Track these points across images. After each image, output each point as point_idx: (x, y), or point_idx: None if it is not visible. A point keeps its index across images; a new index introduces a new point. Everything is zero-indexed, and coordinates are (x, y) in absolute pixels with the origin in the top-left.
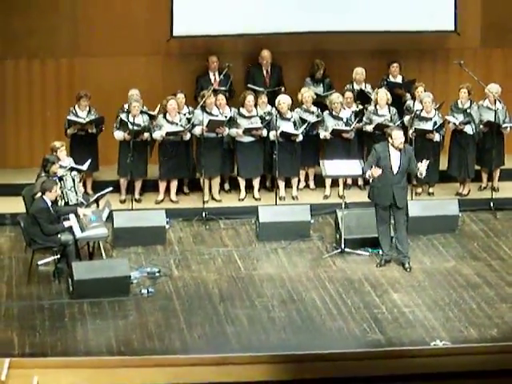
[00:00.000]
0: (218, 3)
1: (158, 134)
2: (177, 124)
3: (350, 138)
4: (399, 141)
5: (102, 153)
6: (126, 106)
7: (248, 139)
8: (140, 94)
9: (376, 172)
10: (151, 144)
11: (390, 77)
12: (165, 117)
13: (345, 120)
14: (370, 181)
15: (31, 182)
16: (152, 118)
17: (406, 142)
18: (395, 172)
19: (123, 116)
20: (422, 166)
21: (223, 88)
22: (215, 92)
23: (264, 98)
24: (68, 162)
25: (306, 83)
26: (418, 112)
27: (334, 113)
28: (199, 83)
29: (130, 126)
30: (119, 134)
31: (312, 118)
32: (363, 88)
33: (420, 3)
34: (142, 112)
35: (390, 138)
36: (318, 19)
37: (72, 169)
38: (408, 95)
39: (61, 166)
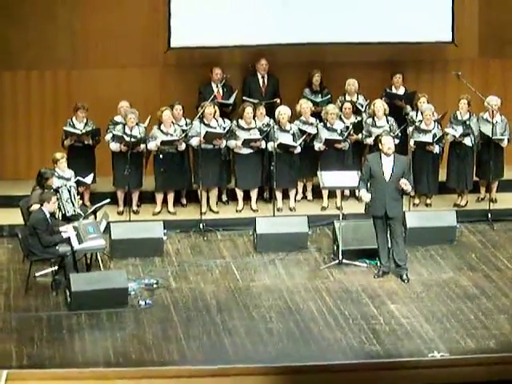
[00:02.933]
0: (216, 15)
1: (152, 145)
2: (171, 135)
3: (344, 149)
4: (387, 146)
5: (99, 164)
6: (116, 119)
7: (246, 151)
8: (130, 106)
9: (365, 197)
10: (146, 155)
11: (393, 88)
12: (159, 128)
13: (339, 131)
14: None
15: (29, 193)
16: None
17: (405, 153)
18: (387, 179)
19: (118, 128)
20: (402, 183)
21: (228, 102)
22: (215, 103)
23: (262, 110)
24: (69, 173)
25: (305, 93)
26: (417, 124)
27: (328, 124)
28: (202, 94)
29: (127, 138)
30: (115, 146)
31: (312, 130)
32: (355, 99)
33: (418, 14)
34: (137, 124)
35: (380, 145)
36: (316, 30)
37: (78, 182)
38: (408, 107)
39: (61, 178)
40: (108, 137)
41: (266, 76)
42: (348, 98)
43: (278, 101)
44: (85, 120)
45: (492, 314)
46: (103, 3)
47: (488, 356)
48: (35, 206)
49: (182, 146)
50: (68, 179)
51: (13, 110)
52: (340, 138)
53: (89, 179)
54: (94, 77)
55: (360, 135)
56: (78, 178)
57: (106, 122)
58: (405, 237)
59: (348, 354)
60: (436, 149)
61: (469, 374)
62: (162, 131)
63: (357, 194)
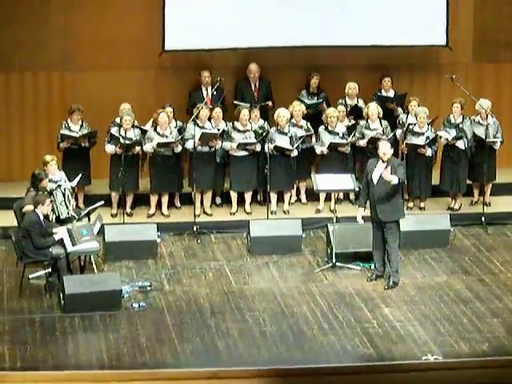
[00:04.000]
0: (210, 18)
1: (148, 147)
2: (167, 137)
3: (346, 152)
4: (382, 152)
5: (93, 167)
6: (117, 120)
7: (242, 153)
8: (132, 108)
9: (358, 218)
10: (142, 158)
11: (382, 91)
12: (155, 130)
13: (341, 134)
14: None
15: (23, 195)
16: (144, 132)
17: (398, 156)
18: (375, 183)
19: (114, 130)
20: (384, 175)
21: (217, 104)
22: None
23: (256, 112)
24: (59, 176)
25: (301, 95)
26: (411, 126)
27: (329, 127)
28: (192, 98)
29: (122, 140)
30: (110, 148)
31: (300, 132)
32: (356, 103)
33: (412, 18)
34: (133, 126)
35: (378, 150)
36: (309, 33)
37: (59, 187)
38: (400, 109)
39: (51, 180)
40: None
41: (257, 80)
42: (349, 101)
43: (271, 104)
44: (80, 122)
45: (485, 317)
46: (97, 5)
47: (481, 359)
48: (28, 208)
49: (179, 148)
50: (58, 182)
51: (6, 112)
52: (344, 141)
53: (74, 182)
54: (88, 79)
55: (353, 138)
56: (61, 180)
57: (99, 123)
58: (399, 241)
59: (341, 357)
60: (428, 152)
61: (462, 377)
62: (158, 133)
63: (351, 198)
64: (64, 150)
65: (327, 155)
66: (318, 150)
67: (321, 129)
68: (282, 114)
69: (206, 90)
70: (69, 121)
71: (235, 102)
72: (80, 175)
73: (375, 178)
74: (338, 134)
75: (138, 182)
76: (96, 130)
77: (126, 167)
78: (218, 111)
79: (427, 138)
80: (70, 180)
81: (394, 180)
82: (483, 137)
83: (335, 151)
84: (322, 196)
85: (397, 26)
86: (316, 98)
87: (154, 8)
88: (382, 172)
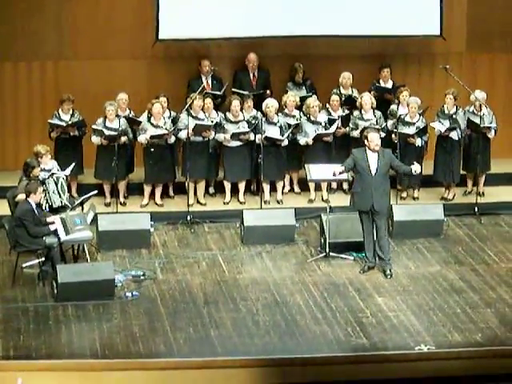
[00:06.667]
0: (204, 7)
1: (142, 138)
2: (161, 127)
3: (329, 142)
4: (375, 143)
5: (86, 156)
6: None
7: (235, 143)
8: (128, 98)
9: (337, 169)
10: (131, 145)
11: (381, 81)
12: (149, 121)
13: (323, 124)
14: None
15: (16, 184)
16: (136, 122)
17: (390, 146)
18: (373, 174)
19: (99, 121)
20: (415, 166)
21: (218, 92)
22: (205, 95)
23: (250, 103)
24: (51, 165)
25: (288, 87)
26: (402, 116)
27: (311, 118)
28: (191, 87)
29: (106, 132)
30: (96, 140)
31: (292, 122)
32: (350, 93)
33: (406, 8)
34: (117, 116)
35: (366, 141)
36: (304, 23)
37: (52, 175)
38: (397, 100)
39: (44, 170)
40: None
41: (256, 70)
42: (343, 91)
43: (268, 92)
44: (71, 111)
45: (479, 307)
46: None
47: (475, 349)
48: (21, 196)
49: (172, 139)
50: (50, 170)
51: (0, 101)
52: (329, 131)
53: (67, 171)
54: (82, 68)
55: (347, 128)
56: (54, 169)
57: (93, 113)
58: (392, 230)
59: (334, 347)
60: (418, 141)
61: (455, 367)
62: (151, 124)
63: (336, 176)
64: (56, 140)
65: (312, 145)
66: (302, 140)
67: (303, 119)
68: (270, 104)
69: (206, 79)
70: (60, 110)
71: (233, 89)
72: (73, 164)
73: (373, 169)
74: (320, 123)
75: (128, 172)
76: (85, 119)
77: (116, 157)
78: (208, 102)
79: (417, 127)
80: (62, 169)
81: (417, 169)
82: (477, 121)
83: (320, 141)
84: (312, 186)
85: (391, 15)
86: (304, 87)
87: None
88: (414, 169)
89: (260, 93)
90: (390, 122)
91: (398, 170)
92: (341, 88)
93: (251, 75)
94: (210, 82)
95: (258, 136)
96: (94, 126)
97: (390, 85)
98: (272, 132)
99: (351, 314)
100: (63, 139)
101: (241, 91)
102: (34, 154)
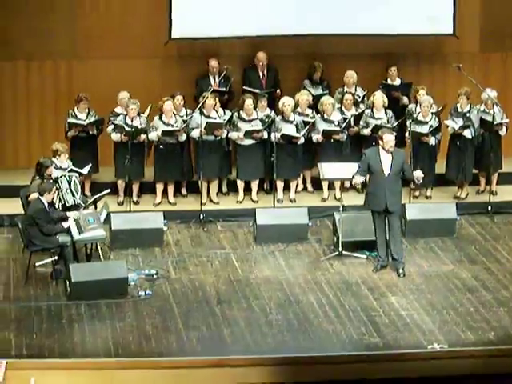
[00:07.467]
0: (216, 6)
1: (153, 135)
2: (172, 125)
3: (342, 140)
4: (390, 144)
5: (101, 154)
6: (116, 110)
7: (248, 142)
8: (130, 96)
9: (357, 180)
10: (148, 146)
11: (388, 80)
12: (161, 118)
13: (336, 123)
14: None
15: (29, 183)
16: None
17: (403, 145)
18: (386, 174)
19: (119, 118)
20: (417, 173)
21: (223, 89)
22: (214, 93)
23: (264, 102)
24: (66, 164)
25: (305, 85)
26: (414, 115)
27: (325, 116)
28: (199, 86)
29: (127, 128)
30: (116, 136)
31: (306, 120)
32: (352, 91)
33: (419, 7)
34: (139, 114)
35: (380, 141)
36: (315, 22)
37: (71, 171)
38: (405, 98)
39: (59, 168)
40: (109, 128)
41: (265, 68)
42: (347, 89)
43: (279, 91)
44: (87, 110)
45: (492, 306)
46: None
47: (487, 348)
48: (33, 195)
49: (183, 137)
50: (66, 169)
51: (13, 100)
52: (338, 128)
53: (85, 170)
54: (95, 67)
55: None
56: (71, 167)
57: (106, 112)
58: (405, 229)
59: (347, 346)
60: (432, 140)
61: (468, 366)
62: (163, 121)
63: (352, 182)
64: (71, 139)
65: (323, 143)
66: (314, 137)
67: (317, 117)
68: (286, 102)
69: (214, 78)
70: (75, 109)
71: (244, 87)
72: (90, 165)
73: (386, 169)
74: (333, 122)
75: (144, 170)
76: (103, 117)
77: (132, 155)
78: (211, 103)
79: (430, 126)
80: (80, 168)
81: (420, 174)
82: (490, 119)
83: (332, 139)
84: (325, 184)
85: (403, 14)
86: (321, 87)
87: None
88: (417, 172)
89: (270, 91)
90: (408, 122)
91: (404, 173)
92: (345, 87)
93: (260, 74)
94: (217, 80)
95: (275, 134)
96: (115, 122)
97: (397, 83)
98: (288, 130)
99: (364, 312)
100: (79, 138)
101: (251, 89)
102: (51, 152)
